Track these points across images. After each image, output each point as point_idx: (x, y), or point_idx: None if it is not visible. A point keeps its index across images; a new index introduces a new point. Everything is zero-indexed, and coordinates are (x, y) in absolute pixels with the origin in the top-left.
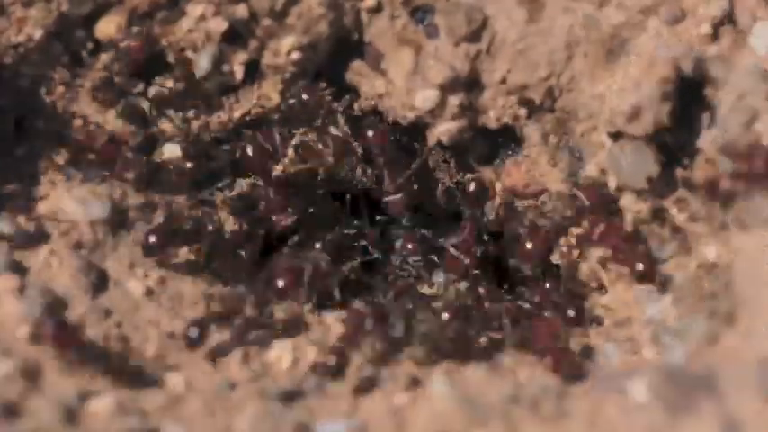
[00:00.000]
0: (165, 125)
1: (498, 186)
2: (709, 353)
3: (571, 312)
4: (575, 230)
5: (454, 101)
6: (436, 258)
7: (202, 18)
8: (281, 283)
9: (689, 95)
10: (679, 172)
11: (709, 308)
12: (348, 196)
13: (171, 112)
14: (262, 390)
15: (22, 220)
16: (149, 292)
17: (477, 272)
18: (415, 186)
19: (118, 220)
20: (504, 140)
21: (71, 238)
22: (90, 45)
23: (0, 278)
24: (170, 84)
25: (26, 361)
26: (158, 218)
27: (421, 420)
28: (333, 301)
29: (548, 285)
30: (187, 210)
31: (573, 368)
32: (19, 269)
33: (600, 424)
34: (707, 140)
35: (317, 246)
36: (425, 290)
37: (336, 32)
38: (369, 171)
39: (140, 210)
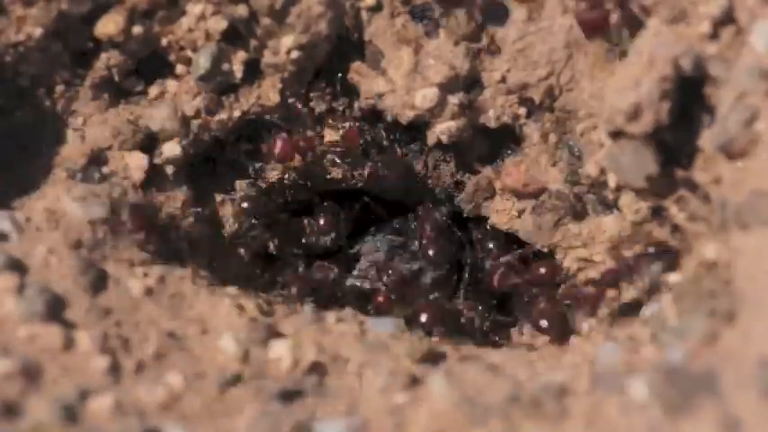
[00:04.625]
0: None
1: (498, 185)
2: (709, 352)
3: None
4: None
5: (454, 100)
6: None
7: (202, 17)
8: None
9: (689, 94)
10: (679, 171)
11: (709, 307)
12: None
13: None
14: (261, 389)
15: (21, 218)
16: (149, 292)
17: None
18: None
19: (118, 220)
20: (504, 140)
21: (71, 237)
22: (90, 44)
23: (0, 277)
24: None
25: (26, 360)
26: None
27: (421, 420)
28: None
29: None
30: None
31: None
32: (18, 268)
33: (599, 423)
34: (707, 139)
35: None
36: None
37: (336, 31)
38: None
39: None
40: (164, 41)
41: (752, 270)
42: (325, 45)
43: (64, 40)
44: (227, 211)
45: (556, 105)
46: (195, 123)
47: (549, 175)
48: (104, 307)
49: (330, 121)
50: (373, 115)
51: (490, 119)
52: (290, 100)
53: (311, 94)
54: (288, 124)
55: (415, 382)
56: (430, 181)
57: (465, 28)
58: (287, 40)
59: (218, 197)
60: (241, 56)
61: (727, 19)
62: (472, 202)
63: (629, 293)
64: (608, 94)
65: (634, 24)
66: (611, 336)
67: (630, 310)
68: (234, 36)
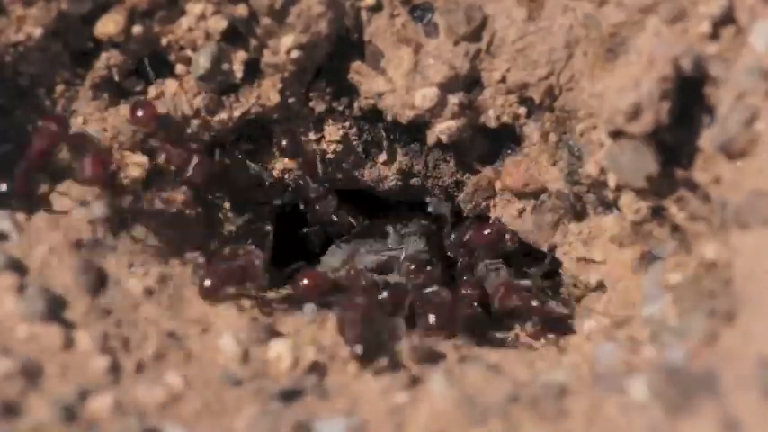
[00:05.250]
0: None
1: (498, 185)
2: (709, 352)
3: None
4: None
5: (454, 100)
6: None
7: (202, 17)
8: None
9: (689, 94)
10: (679, 171)
11: (709, 307)
12: None
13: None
14: (261, 389)
15: (21, 218)
16: (149, 291)
17: None
18: None
19: (117, 220)
20: (504, 139)
21: (71, 237)
22: (90, 44)
23: (0, 277)
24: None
25: (26, 360)
26: None
27: (420, 419)
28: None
29: None
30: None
31: None
32: (19, 268)
33: (599, 423)
34: (707, 139)
35: None
36: None
37: (336, 31)
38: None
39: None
40: (164, 41)
41: (751, 270)
42: (326, 45)
43: (64, 40)
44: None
45: (556, 105)
46: (195, 123)
47: (549, 174)
48: (104, 307)
49: (330, 121)
50: (373, 115)
51: (490, 119)
52: (290, 100)
53: (311, 94)
54: (288, 124)
55: (415, 382)
56: (430, 181)
57: (465, 28)
58: (287, 40)
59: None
60: (241, 56)
61: (727, 19)
62: (472, 202)
63: None
64: (608, 94)
65: None
66: (611, 335)
67: None
68: (234, 36)
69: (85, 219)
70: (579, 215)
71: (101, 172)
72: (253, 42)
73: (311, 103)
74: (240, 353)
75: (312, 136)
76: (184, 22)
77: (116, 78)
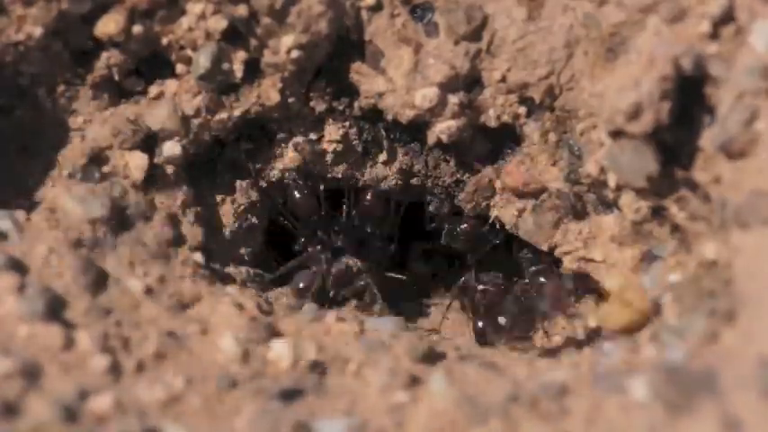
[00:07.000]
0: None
1: (498, 185)
2: (709, 352)
3: None
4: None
5: (454, 99)
6: None
7: (202, 16)
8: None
9: (689, 94)
10: (679, 171)
11: (709, 307)
12: None
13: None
14: (261, 389)
15: (21, 218)
16: (149, 291)
17: None
18: None
19: (118, 219)
20: (504, 139)
21: (71, 236)
22: (90, 44)
23: (0, 277)
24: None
25: (26, 360)
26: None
27: (420, 419)
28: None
29: None
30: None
31: None
32: (19, 268)
33: (599, 423)
34: (707, 139)
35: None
36: None
37: (336, 31)
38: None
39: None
40: (164, 41)
41: (752, 269)
42: (326, 45)
43: (64, 39)
44: (226, 211)
45: (556, 105)
46: (195, 123)
47: (549, 174)
48: (104, 306)
49: (330, 121)
50: (373, 115)
51: (490, 118)
52: (290, 99)
53: (311, 94)
54: (288, 124)
55: (414, 381)
56: (430, 180)
57: (465, 27)
58: (287, 40)
59: (218, 197)
60: (241, 55)
61: (727, 18)
62: (472, 202)
63: None
64: (608, 94)
65: None
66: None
67: None
68: (234, 35)
69: (85, 218)
70: (579, 215)
71: None
72: (253, 42)
73: (311, 103)
74: (240, 353)
75: (312, 136)
76: (184, 21)
77: (116, 78)
